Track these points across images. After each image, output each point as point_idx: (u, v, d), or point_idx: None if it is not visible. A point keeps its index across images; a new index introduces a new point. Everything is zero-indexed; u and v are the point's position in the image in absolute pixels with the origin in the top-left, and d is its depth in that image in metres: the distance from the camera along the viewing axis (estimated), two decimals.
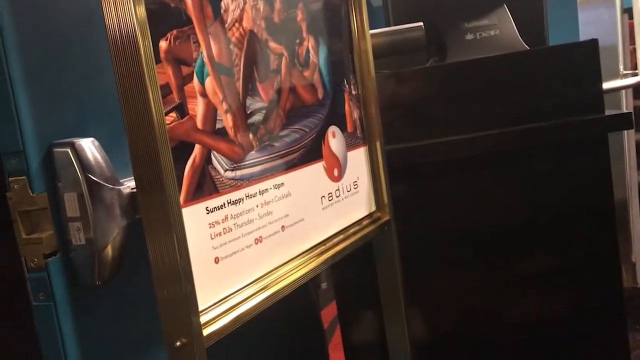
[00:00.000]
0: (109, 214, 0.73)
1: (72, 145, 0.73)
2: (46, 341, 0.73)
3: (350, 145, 1.02)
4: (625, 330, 1.25)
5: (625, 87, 2.28)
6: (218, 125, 0.73)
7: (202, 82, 0.71)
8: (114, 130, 0.76)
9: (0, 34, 0.69)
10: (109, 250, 0.74)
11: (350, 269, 1.26)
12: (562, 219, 1.09)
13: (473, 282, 1.28)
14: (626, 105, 2.36)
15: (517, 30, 1.29)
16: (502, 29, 1.28)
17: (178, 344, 0.63)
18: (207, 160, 0.71)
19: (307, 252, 0.89)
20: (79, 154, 0.72)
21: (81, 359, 0.74)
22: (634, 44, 2.31)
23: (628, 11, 2.38)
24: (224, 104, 0.74)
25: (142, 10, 0.61)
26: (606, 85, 1.20)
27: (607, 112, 1.19)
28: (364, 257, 1.08)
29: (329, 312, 2.50)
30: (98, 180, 0.73)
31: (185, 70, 0.69)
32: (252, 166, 0.78)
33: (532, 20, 1.40)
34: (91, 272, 0.73)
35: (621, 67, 2.40)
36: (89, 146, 0.74)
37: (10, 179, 0.71)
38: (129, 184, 0.76)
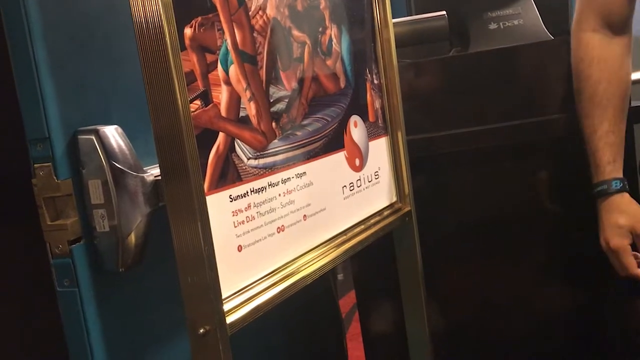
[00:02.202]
0: (133, 201, 0.73)
1: (97, 132, 0.73)
2: (70, 326, 0.73)
3: (372, 135, 1.02)
4: None
5: None
6: (241, 114, 0.73)
7: (226, 70, 0.71)
8: (138, 117, 0.76)
9: (26, 21, 0.70)
10: (133, 237, 0.74)
11: (369, 260, 1.26)
12: (584, 210, 1.08)
13: (492, 273, 1.27)
14: None
15: (541, 20, 1.27)
16: (526, 18, 1.26)
17: (201, 331, 0.63)
18: (230, 148, 0.71)
19: (328, 242, 0.89)
20: (103, 141, 0.73)
21: (105, 344, 0.75)
22: None
23: None
24: (247, 92, 0.74)
25: None
26: (633, 76, 1.17)
27: (634, 103, 1.17)
28: (383, 247, 1.08)
29: (345, 303, 2.50)
30: (122, 168, 0.73)
31: (209, 57, 0.69)
32: (274, 155, 0.78)
33: (556, 9, 1.37)
34: (115, 259, 0.74)
35: None
36: (113, 133, 0.74)
37: (35, 165, 0.72)
38: (152, 172, 0.76)
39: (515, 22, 1.25)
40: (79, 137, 0.73)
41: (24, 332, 0.98)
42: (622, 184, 1.04)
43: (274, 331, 1.16)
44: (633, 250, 1.04)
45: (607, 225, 1.05)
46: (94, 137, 0.73)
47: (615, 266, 1.06)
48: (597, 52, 1.06)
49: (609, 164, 1.05)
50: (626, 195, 1.05)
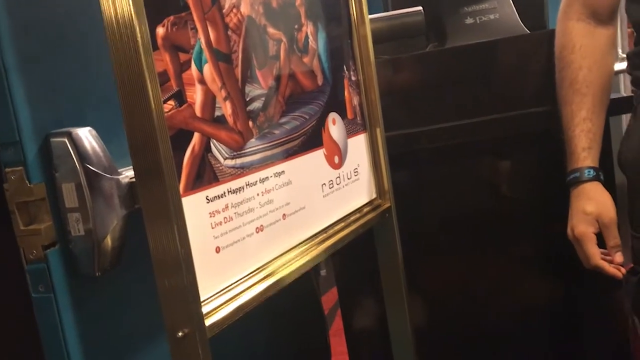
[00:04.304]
0: (108, 204, 0.72)
1: (70, 135, 0.71)
2: (46, 332, 0.72)
3: (351, 132, 1.01)
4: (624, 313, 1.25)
5: (625, 71, 2.26)
6: (217, 113, 0.72)
7: (200, 69, 0.70)
8: (111, 119, 0.75)
9: None
10: (109, 240, 0.73)
11: (350, 256, 1.26)
12: (562, 203, 1.09)
13: (473, 267, 1.28)
14: (625, 89, 2.35)
15: (517, 14, 1.28)
16: (502, 12, 1.27)
17: (180, 334, 0.63)
18: (206, 148, 0.70)
19: (308, 241, 0.88)
20: (76, 143, 0.71)
21: (82, 350, 0.74)
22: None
23: None
24: (222, 91, 0.73)
25: None
26: None
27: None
28: (364, 243, 1.07)
29: (328, 299, 2.50)
30: (96, 170, 0.72)
31: (183, 57, 0.68)
32: (252, 154, 0.77)
33: (532, 3, 1.38)
34: (91, 263, 0.73)
35: (620, 51, 2.38)
36: (87, 135, 0.73)
37: (6, 169, 0.70)
38: (127, 174, 0.75)
39: (492, 16, 1.26)
40: (52, 140, 0.72)
41: None
42: (595, 173, 1.04)
43: (256, 329, 1.15)
44: (599, 241, 1.03)
45: (574, 213, 1.05)
46: (66, 140, 0.71)
47: (580, 256, 1.04)
48: (580, 39, 1.07)
49: (584, 151, 1.04)
50: (598, 184, 1.04)
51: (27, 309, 0.71)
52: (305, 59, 0.91)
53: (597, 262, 1.02)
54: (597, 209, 1.02)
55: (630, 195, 1.05)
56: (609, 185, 1.07)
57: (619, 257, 1.02)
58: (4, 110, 0.69)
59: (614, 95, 1.19)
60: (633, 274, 1.02)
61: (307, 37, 0.91)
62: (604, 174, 1.07)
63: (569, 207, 1.08)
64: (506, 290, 1.28)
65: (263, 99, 0.80)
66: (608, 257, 1.02)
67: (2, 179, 0.71)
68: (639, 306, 1.04)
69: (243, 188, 0.75)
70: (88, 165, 0.71)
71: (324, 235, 0.92)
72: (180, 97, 0.67)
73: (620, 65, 2.23)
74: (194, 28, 0.70)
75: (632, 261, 1.03)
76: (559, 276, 1.27)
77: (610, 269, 1.01)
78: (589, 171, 1.04)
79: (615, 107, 1.18)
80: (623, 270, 1.02)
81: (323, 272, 2.81)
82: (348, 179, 1.00)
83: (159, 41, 0.65)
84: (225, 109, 0.73)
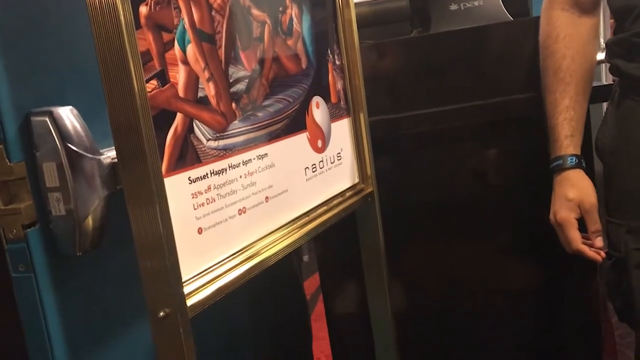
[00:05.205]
0: (89, 184, 0.72)
1: (51, 114, 0.71)
2: (26, 312, 0.72)
3: (334, 116, 1.02)
4: (601, 297, 1.27)
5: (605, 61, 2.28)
6: (200, 94, 0.72)
7: (183, 49, 0.70)
8: (93, 98, 0.74)
9: None
10: (90, 221, 0.72)
11: (333, 240, 1.26)
12: (543, 189, 1.10)
13: (454, 252, 1.29)
14: (607, 78, 2.38)
15: (501, 1, 1.28)
16: None
17: (161, 314, 0.63)
18: (189, 129, 0.70)
19: (290, 223, 0.88)
20: (57, 122, 0.71)
21: (62, 330, 0.73)
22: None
23: None
24: (205, 72, 0.73)
25: None
26: None
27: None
28: (346, 228, 1.08)
29: (310, 285, 2.51)
30: (77, 150, 0.71)
31: (166, 36, 0.67)
32: (235, 136, 0.77)
33: None
34: (72, 243, 0.72)
35: (602, 41, 2.40)
36: (68, 115, 0.72)
37: None
38: (109, 154, 0.74)
39: (476, 3, 1.26)
40: (32, 118, 0.71)
41: None
42: (577, 160, 1.06)
43: (237, 312, 1.16)
44: (580, 226, 1.06)
45: (557, 199, 1.07)
46: (47, 119, 0.71)
47: (562, 240, 1.07)
48: (564, 29, 1.08)
49: (567, 139, 1.06)
50: (580, 171, 1.07)
51: (7, 288, 0.71)
52: (290, 42, 0.91)
53: (578, 247, 1.04)
54: (579, 195, 1.05)
55: (606, 180, 1.07)
56: (589, 172, 1.09)
57: (599, 241, 1.04)
58: None
59: (595, 84, 1.21)
60: (607, 258, 1.05)
61: (291, 19, 0.91)
62: (585, 161, 1.08)
63: (551, 193, 1.09)
64: (488, 275, 1.30)
65: (246, 80, 0.80)
66: (588, 242, 1.05)
67: None
68: (612, 289, 1.06)
69: (226, 170, 0.75)
70: (69, 145, 0.71)
71: (307, 218, 0.92)
72: (163, 77, 0.66)
73: (602, 55, 2.25)
74: (178, 7, 0.69)
75: (607, 245, 1.06)
76: (542, 262, 1.28)
77: (590, 252, 1.04)
78: (572, 159, 1.06)
79: (596, 95, 1.20)
80: (603, 254, 1.04)
81: (306, 258, 2.82)
82: (331, 163, 1.00)
83: (142, 20, 0.64)
84: (209, 89, 0.73)
